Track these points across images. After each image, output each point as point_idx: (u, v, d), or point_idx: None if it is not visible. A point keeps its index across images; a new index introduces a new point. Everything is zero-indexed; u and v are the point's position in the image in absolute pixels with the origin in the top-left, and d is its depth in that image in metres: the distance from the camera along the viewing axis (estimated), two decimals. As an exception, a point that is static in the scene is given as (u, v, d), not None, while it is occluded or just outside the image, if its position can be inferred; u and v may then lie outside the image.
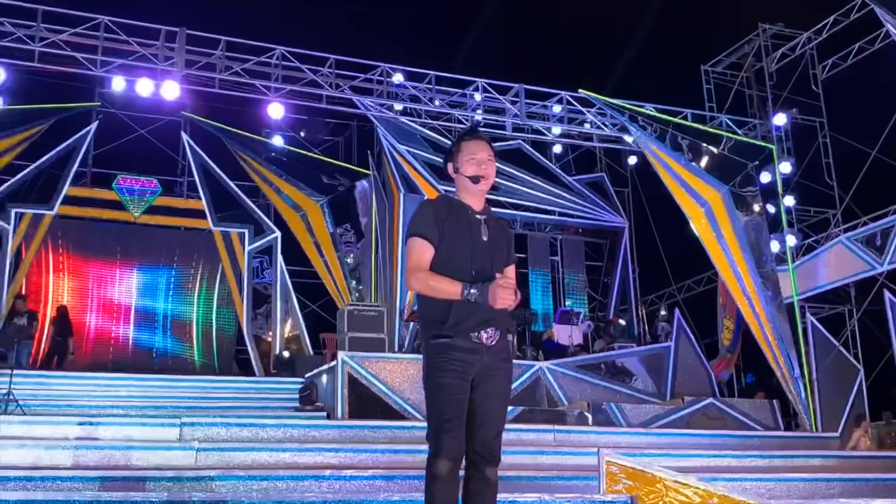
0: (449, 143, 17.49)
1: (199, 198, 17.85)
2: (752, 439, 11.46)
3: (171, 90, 15.68)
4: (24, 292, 16.39)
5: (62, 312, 15.81)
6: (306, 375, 13.58)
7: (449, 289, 3.78)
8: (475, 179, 3.97)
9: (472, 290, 3.74)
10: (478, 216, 3.99)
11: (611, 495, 7.04)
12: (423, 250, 3.87)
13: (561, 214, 19.38)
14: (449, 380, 3.76)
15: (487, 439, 3.82)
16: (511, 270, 4.07)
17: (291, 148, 18.56)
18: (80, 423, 8.69)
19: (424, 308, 3.96)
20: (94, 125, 17.25)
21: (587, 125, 18.28)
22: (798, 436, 12.93)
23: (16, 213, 16.64)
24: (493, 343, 3.84)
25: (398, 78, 17.20)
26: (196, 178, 17.84)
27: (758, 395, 15.64)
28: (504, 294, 3.72)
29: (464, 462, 3.87)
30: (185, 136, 18.06)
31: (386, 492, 6.91)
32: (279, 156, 18.35)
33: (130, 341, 17.97)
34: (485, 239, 3.94)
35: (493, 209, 4.13)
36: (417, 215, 4.01)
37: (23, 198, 16.89)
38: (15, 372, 11.42)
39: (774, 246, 16.06)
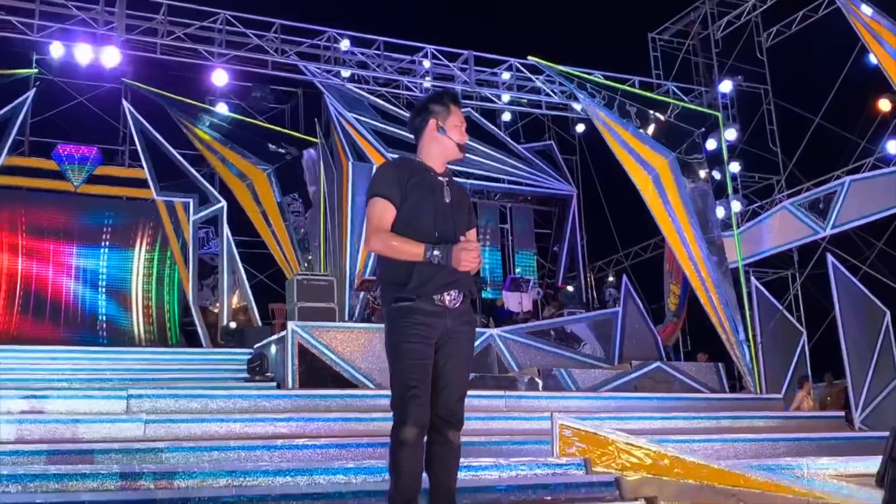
0: (399, 111, 17.53)
1: (142, 167, 17.48)
2: (698, 402, 11.65)
3: (112, 56, 15.31)
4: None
5: None
6: (255, 346, 13.45)
7: (411, 250, 3.72)
8: (461, 147, 3.98)
9: (436, 252, 3.70)
10: (440, 178, 3.94)
11: (564, 458, 7.11)
12: (385, 210, 3.79)
13: (510, 182, 19.39)
14: (413, 344, 3.71)
15: (451, 403, 3.79)
16: (472, 234, 4.02)
17: (236, 115, 18.22)
18: (24, 397, 8.50)
19: (386, 271, 3.90)
20: (31, 93, 16.72)
21: (536, 93, 18.26)
22: (743, 397, 13.20)
23: (-50, 183, 16.14)
24: (456, 305, 3.80)
25: (345, 44, 17.00)
26: (138, 146, 17.44)
27: (700, 356, 15.91)
28: (469, 256, 3.70)
29: None
30: (126, 104, 17.62)
31: (340, 459, 6.88)
32: (223, 124, 18.01)
33: (72, 314, 17.60)
34: (447, 201, 3.89)
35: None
36: (378, 176, 3.95)
37: (-43, 168, 16.38)
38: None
39: (720, 212, 16.27)
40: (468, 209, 4.05)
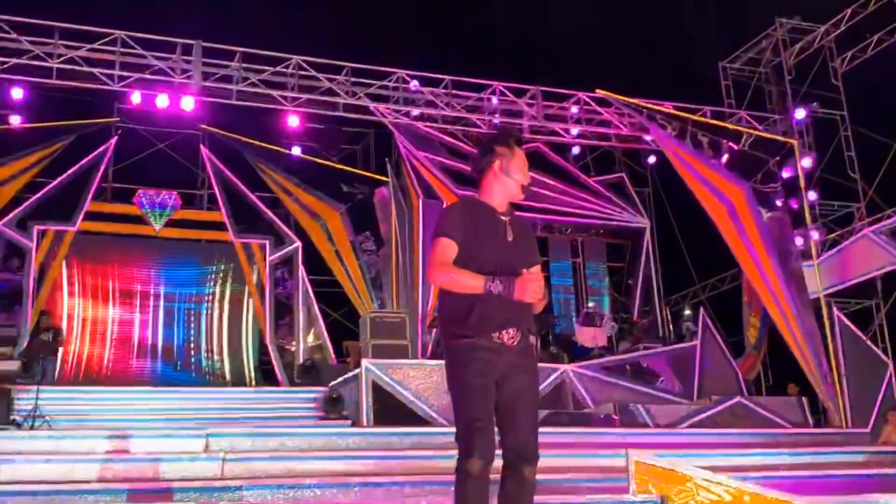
0: (469, 147, 17.66)
1: (220, 210, 17.92)
2: (781, 437, 11.33)
3: (189, 103, 15.78)
4: (47, 308, 16.47)
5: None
6: (330, 384, 13.57)
7: (471, 282, 3.77)
8: (524, 189, 4.02)
9: (497, 282, 3.73)
10: (502, 217, 4.00)
11: (640, 496, 6.97)
12: (447, 248, 3.86)
13: (581, 216, 19.26)
14: (474, 379, 3.74)
15: (522, 437, 3.78)
16: (536, 270, 4.05)
17: (309, 157, 18.57)
18: (107, 437, 8.72)
19: (445, 307, 3.94)
20: (113, 140, 17.34)
21: (606, 125, 18.20)
22: (828, 432, 12.79)
23: (38, 230, 16.75)
24: (515, 343, 3.83)
25: (414, 84, 17.22)
26: (216, 190, 17.91)
27: (790, 387, 15.48)
28: (532, 287, 3.73)
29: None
30: (203, 149, 18.13)
31: (414, 497, 6.86)
32: (297, 166, 18.37)
33: (155, 355, 18.03)
34: (509, 239, 3.95)
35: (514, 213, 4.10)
36: (443, 217, 4.02)
37: (44, 215, 17.00)
38: (41, 388, 11.47)
39: (798, 241, 15.90)
40: (531, 248, 4.10)
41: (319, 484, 7.29)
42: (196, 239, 18.82)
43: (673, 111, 16.83)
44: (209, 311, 18.81)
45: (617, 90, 16.69)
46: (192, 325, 18.55)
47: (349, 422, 11.95)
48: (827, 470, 9.30)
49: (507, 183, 4.01)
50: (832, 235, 17.87)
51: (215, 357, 18.50)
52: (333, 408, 12.53)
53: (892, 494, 7.74)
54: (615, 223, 19.66)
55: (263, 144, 17.90)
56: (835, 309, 15.53)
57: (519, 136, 4.21)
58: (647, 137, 17.98)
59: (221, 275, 19.04)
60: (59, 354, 15.37)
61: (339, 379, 13.30)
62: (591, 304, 19.84)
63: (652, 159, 20.21)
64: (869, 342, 15.28)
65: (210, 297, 18.87)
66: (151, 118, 17.46)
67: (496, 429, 3.81)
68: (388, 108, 17.09)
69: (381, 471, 8.19)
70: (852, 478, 9.00)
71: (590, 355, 16.18)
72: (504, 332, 3.80)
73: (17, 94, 15.46)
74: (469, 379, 3.74)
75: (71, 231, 16.98)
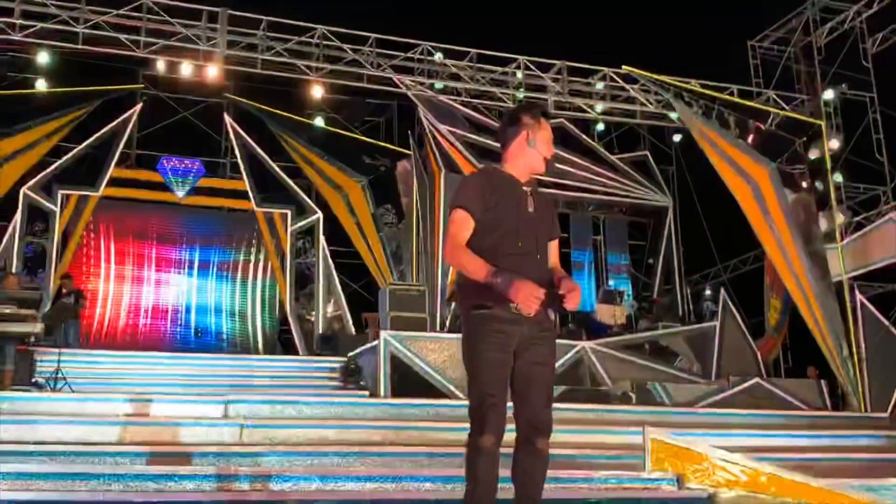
0: (490, 122, 17.59)
1: (242, 179, 17.97)
2: (799, 419, 11.30)
3: (214, 72, 15.79)
4: (70, 272, 16.62)
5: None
6: (349, 355, 13.62)
7: (477, 272, 3.71)
8: (548, 162, 3.99)
9: (498, 280, 3.66)
10: (524, 188, 3.96)
11: (656, 473, 6.99)
12: (463, 223, 3.82)
13: (604, 194, 19.15)
14: (491, 353, 3.71)
15: (538, 409, 3.75)
16: (555, 245, 4.03)
17: (332, 128, 18.57)
18: (127, 401, 8.83)
19: (465, 278, 3.85)
20: (138, 107, 17.40)
21: (631, 102, 18.06)
22: (846, 416, 12.73)
23: (62, 194, 16.87)
24: (535, 313, 3.72)
25: (439, 57, 17.14)
26: (238, 159, 17.95)
27: (809, 370, 15.40)
28: (530, 302, 3.62)
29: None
30: (227, 118, 18.16)
31: (429, 468, 6.89)
32: (321, 136, 18.37)
33: (177, 321, 18.20)
34: (531, 210, 3.91)
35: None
36: (463, 186, 3.97)
37: (69, 179, 17.11)
38: (63, 351, 11.60)
39: (823, 223, 15.75)
40: (552, 219, 4.05)
41: (337, 452, 7.35)
42: (218, 207, 18.92)
43: (700, 89, 16.67)
44: (230, 279, 18.92)
45: (643, 66, 16.53)
46: (213, 293, 18.69)
47: (367, 392, 12.02)
48: (844, 453, 9.28)
49: (531, 155, 3.97)
50: (857, 218, 17.68)
51: (236, 325, 18.63)
52: (351, 378, 12.61)
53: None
54: (638, 201, 19.54)
55: (287, 114, 17.90)
56: (857, 292, 15.39)
57: (545, 109, 4.19)
58: (673, 115, 17.82)
59: (243, 244, 19.14)
60: (81, 318, 15.48)
61: (358, 350, 13.36)
62: (611, 282, 19.80)
63: (677, 137, 20.06)
64: (891, 326, 15.14)
65: (231, 266, 18.99)
66: (176, 86, 17.49)
67: (511, 401, 3.78)
68: (412, 80, 17.02)
69: (399, 441, 8.24)
70: (870, 461, 8.97)
71: (608, 333, 16.14)
72: None
73: (42, 58, 15.53)
74: (485, 352, 3.71)
75: (95, 196, 17.10)
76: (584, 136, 19.11)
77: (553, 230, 4.03)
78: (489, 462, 3.65)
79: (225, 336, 18.37)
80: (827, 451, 9.41)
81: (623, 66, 16.85)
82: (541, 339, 3.81)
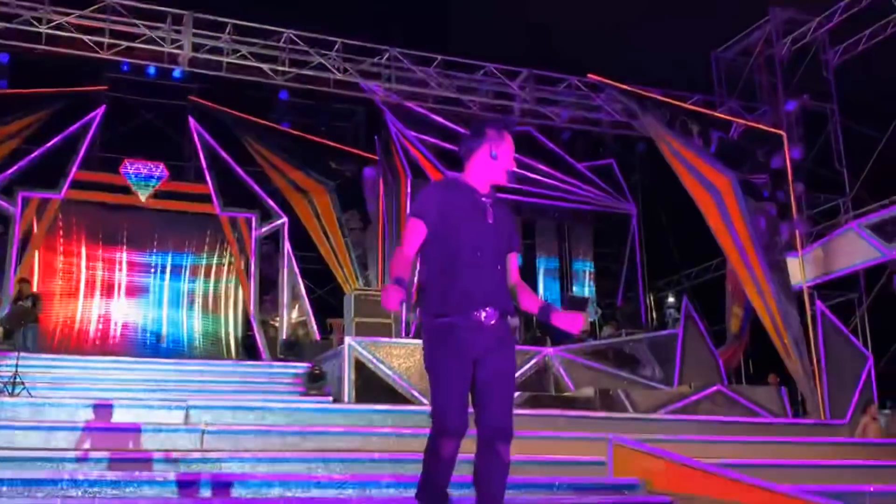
0: (457, 128, 17.62)
1: (206, 182, 17.84)
2: (759, 426, 11.41)
3: (178, 74, 15.68)
4: (28, 276, 16.37)
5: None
6: (313, 360, 13.56)
7: (392, 273, 3.88)
8: (509, 175, 4.09)
9: (387, 286, 3.78)
10: (484, 199, 4.03)
11: (620, 478, 7.02)
12: (413, 232, 3.95)
13: (569, 201, 19.26)
14: (450, 359, 3.80)
15: (498, 415, 3.84)
16: (514, 258, 4.11)
17: (298, 133, 18.48)
18: (87, 406, 8.72)
19: (425, 286, 3.98)
20: (101, 109, 17.21)
21: (597, 111, 18.19)
22: (806, 422, 12.88)
23: (23, 197, 16.64)
24: (492, 322, 3.85)
25: (405, 63, 17.14)
26: (202, 162, 17.82)
27: (770, 377, 15.57)
28: (386, 300, 3.74)
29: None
30: (192, 121, 18.02)
31: (393, 474, 6.88)
32: (286, 141, 18.28)
33: (138, 325, 18.00)
34: (490, 221, 3.98)
35: (500, 195, 4.14)
36: (421, 196, 4.10)
37: (30, 181, 16.88)
38: (21, 355, 11.43)
39: (783, 233, 15.95)
40: (510, 232, 4.11)
41: (299, 458, 7.30)
42: (182, 211, 18.71)
43: (663, 98, 16.81)
44: (193, 284, 18.74)
45: (609, 76, 16.65)
46: (176, 298, 18.50)
47: (331, 398, 11.96)
48: (804, 459, 9.38)
49: (493, 167, 4.05)
50: (817, 228, 17.92)
51: (198, 330, 18.46)
52: (315, 384, 12.55)
53: (866, 485, 7.84)
54: (602, 209, 19.67)
55: (252, 118, 17.80)
56: (818, 301, 15.61)
57: (509, 123, 4.27)
58: (637, 124, 17.97)
59: (206, 248, 18.97)
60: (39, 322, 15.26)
61: (322, 355, 13.30)
62: (575, 289, 19.90)
63: (641, 146, 20.23)
64: (850, 335, 15.37)
65: (194, 270, 18.81)
66: (140, 88, 17.33)
67: (472, 407, 3.89)
68: (378, 86, 17.01)
69: (362, 447, 8.20)
70: (829, 467, 9.08)
71: (572, 339, 16.22)
72: (482, 311, 3.84)
73: (4, 59, 15.32)
74: (445, 358, 3.81)
75: (56, 199, 16.87)
76: (550, 144, 19.21)
77: (511, 241, 4.10)
78: (446, 466, 3.80)
79: (188, 341, 18.18)
80: (787, 457, 9.52)
81: (589, 75, 16.97)
82: (501, 347, 3.90)
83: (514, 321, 4.02)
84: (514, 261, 4.09)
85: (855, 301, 17.83)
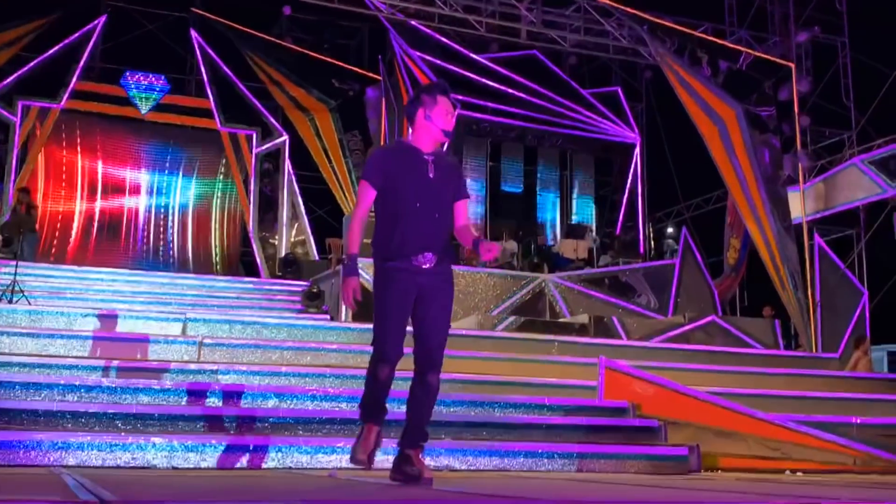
0: (462, 50, 17.43)
1: (207, 97, 17.68)
2: (751, 356, 11.51)
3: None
4: (28, 186, 16.34)
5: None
6: (311, 279, 13.62)
7: (347, 247, 4.49)
8: (447, 133, 4.53)
9: (345, 265, 4.47)
10: (426, 157, 4.47)
11: (610, 400, 7.12)
12: (363, 194, 4.47)
13: (572, 128, 19.10)
14: (391, 298, 4.33)
15: (430, 348, 4.38)
16: (463, 206, 4.55)
17: (301, 49, 18.23)
18: (84, 315, 8.77)
19: (375, 236, 4.51)
20: (102, 19, 16.95)
21: (605, 36, 17.93)
22: (797, 355, 12.99)
23: (22, 105, 16.51)
24: (430, 266, 4.35)
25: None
26: (204, 77, 17.63)
27: (765, 309, 15.65)
28: (348, 300, 4.36)
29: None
30: (193, 34, 17.76)
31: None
32: (288, 57, 18.04)
33: (138, 238, 18.04)
34: (431, 177, 4.43)
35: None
36: (368, 160, 4.69)
37: (29, 90, 16.73)
38: (20, 264, 11.46)
39: (786, 166, 15.87)
40: (455, 184, 4.54)
41: (294, 372, 7.40)
42: (182, 125, 18.58)
43: (674, 25, 16.54)
44: (193, 199, 18.72)
45: (619, 0, 16.37)
46: (175, 212, 18.49)
47: (328, 316, 12.05)
48: (793, 390, 9.50)
49: (429, 128, 4.48)
50: (821, 162, 17.83)
51: (197, 244, 18.50)
52: (312, 301, 12.63)
53: (853, 416, 7.96)
54: (606, 137, 19.53)
55: (254, 32, 17.54)
56: (816, 235, 15.63)
57: (444, 87, 4.68)
58: (645, 51, 17.73)
59: (206, 163, 18.88)
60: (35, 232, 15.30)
61: (320, 275, 13.35)
62: (575, 217, 19.90)
63: (648, 74, 19.99)
64: (846, 270, 15.42)
65: (194, 185, 18.76)
66: (142, -2, 17.07)
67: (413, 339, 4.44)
68: (383, 3, 16.73)
69: (356, 364, 8.29)
70: (817, 399, 9.21)
71: (570, 266, 16.28)
72: (421, 255, 4.34)
73: (3, -38, 15.03)
74: (388, 296, 4.34)
75: (56, 108, 16.74)
76: (555, 68, 18.98)
77: (457, 193, 4.52)
78: (383, 385, 4.37)
79: (186, 255, 18.24)
80: (777, 388, 9.63)
81: (598, -1, 16.70)
82: (439, 288, 4.41)
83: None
84: (461, 208, 4.53)
85: (854, 237, 17.84)
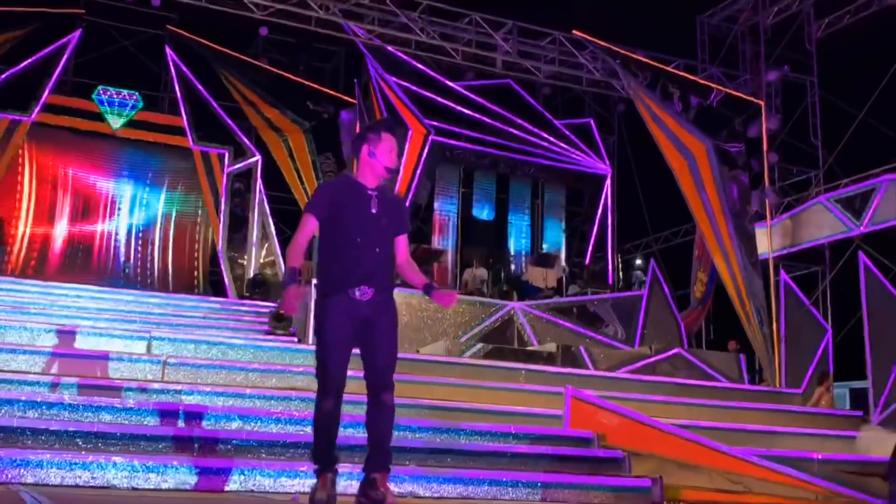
0: (439, 77, 17.54)
1: (180, 115, 17.61)
2: (714, 390, 11.58)
3: (157, 2, 15.40)
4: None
5: None
6: (279, 300, 13.54)
7: (289, 261, 4.57)
8: (390, 170, 4.65)
9: (284, 284, 4.50)
10: (370, 192, 4.60)
11: (575, 430, 7.13)
12: (304, 225, 4.58)
13: (545, 157, 19.23)
14: (331, 331, 4.44)
15: (381, 370, 4.49)
16: (402, 240, 4.71)
17: (277, 70, 18.22)
18: (48, 331, 8.66)
19: (318, 268, 4.69)
20: (77, 33, 16.86)
21: (579, 68, 18.11)
22: (761, 389, 13.09)
23: (-8, 117, 16.35)
24: (367, 298, 4.46)
25: (389, 4, 16.93)
26: (178, 94, 17.56)
27: (730, 343, 15.78)
28: (290, 308, 4.47)
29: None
30: (168, 51, 17.72)
31: (351, 416, 6.94)
32: (263, 78, 18.02)
33: (103, 255, 17.85)
34: (373, 212, 4.56)
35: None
36: (315, 193, 4.80)
37: (0, 103, 16.57)
38: (-15, 278, 11.32)
39: (754, 202, 16.08)
40: (397, 218, 4.70)
41: (259, 394, 7.34)
42: (154, 142, 18.48)
43: (647, 60, 16.77)
44: (162, 217, 18.59)
45: (593, 33, 16.57)
46: (143, 229, 18.35)
47: (295, 339, 11.98)
48: (757, 425, 9.57)
49: (373, 164, 4.62)
50: (788, 199, 18.08)
51: (164, 263, 18.35)
52: (280, 323, 12.57)
53: (814, 452, 8.03)
54: (577, 168, 19.68)
55: (230, 52, 17.51)
56: (782, 271, 15.82)
57: (390, 124, 4.87)
58: (618, 84, 17.94)
59: (177, 181, 18.77)
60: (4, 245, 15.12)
61: (289, 296, 13.25)
62: (545, 246, 19.99)
63: (621, 107, 20.21)
64: (811, 307, 15.61)
65: (163, 203, 18.63)
66: (117, 14, 16.99)
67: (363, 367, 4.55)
68: (360, 27, 16.79)
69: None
70: (780, 434, 9.28)
71: (539, 295, 16.34)
72: (359, 289, 4.45)
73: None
74: (327, 329, 4.44)
75: (27, 121, 16.59)
76: (529, 98, 19.14)
77: (398, 227, 4.68)
78: (330, 418, 4.45)
79: (154, 274, 18.08)
80: (740, 422, 9.70)
81: (574, 31, 16.87)
82: (381, 315, 4.52)
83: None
84: (401, 243, 4.69)
85: (819, 274, 18.07)
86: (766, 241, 15.57)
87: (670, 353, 13.50)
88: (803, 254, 17.43)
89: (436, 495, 5.70)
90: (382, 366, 4.50)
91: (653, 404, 9.60)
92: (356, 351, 4.56)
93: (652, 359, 13.29)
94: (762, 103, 16.79)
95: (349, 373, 4.76)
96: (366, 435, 4.55)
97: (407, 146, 16.87)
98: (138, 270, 17.99)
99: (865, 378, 13.61)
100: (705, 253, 16.70)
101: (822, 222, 16.29)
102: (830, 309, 17.29)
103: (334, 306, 4.45)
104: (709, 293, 17.97)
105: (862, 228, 15.53)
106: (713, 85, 17.32)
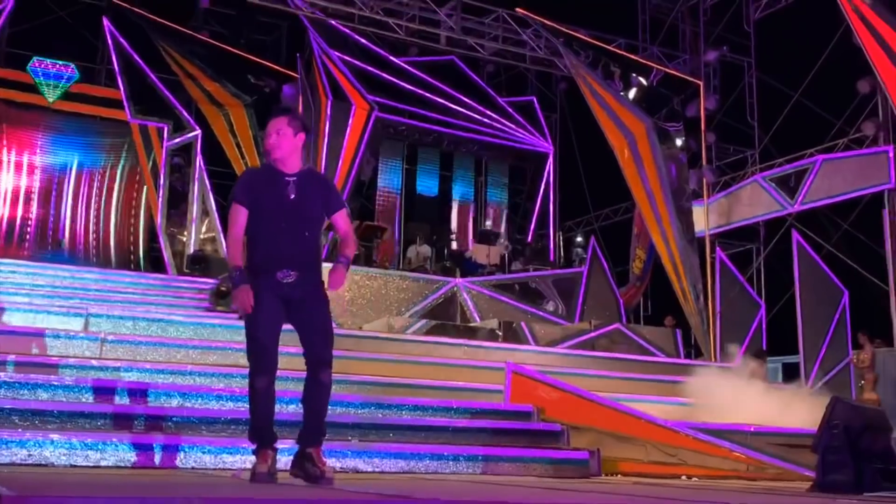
0: (382, 52, 17.46)
1: (118, 87, 17.25)
2: (653, 364, 11.84)
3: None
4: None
5: None
6: (220, 276, 13.44)
7: (231, 260, 4.61)
8: (266, 154, 4.80)
9: (234, 277, 4.57)
10: (287, 178, 4.67)
11: (515, 404, 7.25)
12: (236, 215, 4.66)
13: (488, 135, 19.29)
14: (259, 313, 4.49)
15: (318, 347, 4.59)
16: (340, 216, 4.82)
17: (217, 43, 17.93)
18: (-19, 308, 8.49)
19: (247, 256, 4.70)
20: (10, 2, 16.39)
21: (522, 46, 18.17)
22: (696, 363, 13.38)
23: (-80, 89, 15.85)
24: (291, 281, 4.55)
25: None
26: (115, 66, 17.20)
27: (667, 318, 16.09)
28: (243, 306, 4.50)
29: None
30: (106, 21, 17.32)
31: (295, 391, 6.96)
32: (204, 50, 17.73)
33: (40, 230, 17.49)
34: (291, 197, 4.63)
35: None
36: (237, 184, 4.85)
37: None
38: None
39: (692, 180, 16.35)
40: (325, 199, 4.78)
41: (200, 371, 7.31)
42: (91, 115, 18.08)
43: (589, 39, 16.89)
44: (100, 191, 18.24)
45: (537, 12, 16.63)
46: (81, 204, 17.99)
47: (236, 315, 11.88)
48: (691, 398, 9.81)
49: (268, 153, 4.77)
50: (724, 178, 18.43)
51: (103, 239, 18.04)
52: (221, 300, 12.47)
53: (746, 424, 8.26)
54: (520, 146, 19.79)
55: (170, 24, 17.18)
56: (718, 249, 16.16)
57: (275, 110, 5.02)
58: (562, 63, 18.05)
59: (115, 156, 18.42)
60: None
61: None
62: (488, 223, 20.10)
63: (563, 86, 20.35)
64: (746, 283, 15.99)
65: (101, 177, 18.29)
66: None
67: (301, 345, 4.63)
68: (303, 1, 16.62)
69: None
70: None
71: (481, 272, 16.46)
72: (284, 272, 4.53)
73: None
74: (256, 311, 4.48)
75: (-43, 93, 16.13)
76: (473, 76, 19.16)
77: (329, 206, 4.77)
78: (264, 396, 4.52)
79: (91, 250, 17.77)
80: (675, 395, 9.94)
81: (517, 9, 16.91)
82: (311, 295, 4.62)
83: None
84: (338, 219, 4.80)
85: (753, 251, 18.49)
86: (703, 219, 15.87)
87: (609, 328, 13.73)
88: (739, 231, 17.82)
89: (378, 470, 5.76)
90: (318, 343, 4.59)
91: (592, 379, 9.80)
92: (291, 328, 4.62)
93: (591, 334, 13.51)
94: (701, 83, 17.05)
95: (292, 349, 4.81)
96: (300, 410, 4.65)
97: (350, 122, 16.79)
98: (76, 246, 17.66)
99: (797, 353, 14.01)
100: (644, 230, 16.97)
101: (758, 201, 16.66)
102: (764, 286, 17.73)
103: (263, 286, 4.51)
104: (647, 270, 18.29)
105: (795, 207, 15.93)
106: (653, 64, 17.54)
